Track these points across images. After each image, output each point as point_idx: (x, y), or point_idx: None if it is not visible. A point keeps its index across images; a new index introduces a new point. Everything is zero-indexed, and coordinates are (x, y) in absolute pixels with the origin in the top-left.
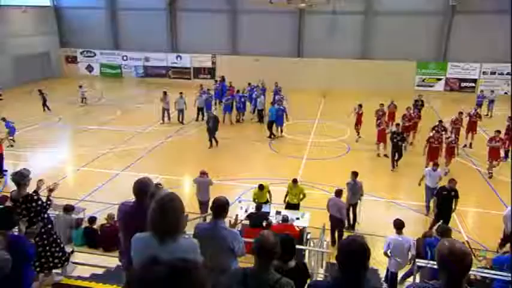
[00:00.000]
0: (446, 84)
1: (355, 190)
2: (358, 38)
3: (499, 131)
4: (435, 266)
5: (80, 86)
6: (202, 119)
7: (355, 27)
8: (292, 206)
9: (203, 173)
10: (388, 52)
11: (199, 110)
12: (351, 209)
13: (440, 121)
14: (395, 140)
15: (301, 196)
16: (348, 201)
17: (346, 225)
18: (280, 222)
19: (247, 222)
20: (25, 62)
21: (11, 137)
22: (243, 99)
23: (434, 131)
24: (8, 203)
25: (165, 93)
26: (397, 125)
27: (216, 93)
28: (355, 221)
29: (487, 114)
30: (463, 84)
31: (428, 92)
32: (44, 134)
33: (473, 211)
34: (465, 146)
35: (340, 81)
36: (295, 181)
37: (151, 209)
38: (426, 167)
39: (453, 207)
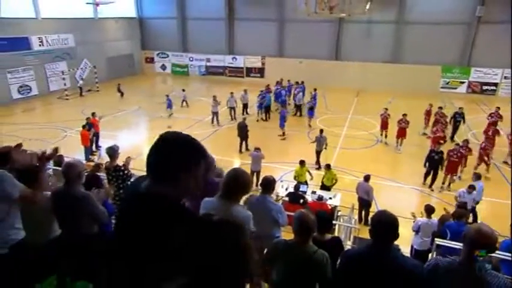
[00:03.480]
0: (469, 87)
1: (321, 141)
2: (389, 44)
3: None
4: (451, 245)
5: (183, 90)
6: (247, 112)
7: (387, 35)
8: (326, 188)
9: (257, 149)
10: (416, 57)
11: (244, 106)
12: (317, 154)
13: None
14: (435, 158)
15: (334, 181)
16: (316, 149)
17: (315, 164)
18: (315, 200)
19: (287, 198)
20: (115, 61)
21: (169, 109)
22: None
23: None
24: (102, 171)
25: (214, 97)
26: (438, 143)
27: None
28: (319, 163)
29: None
30: (485, 88)
31: (451, 94)
32: (128, 118)
33: (487, 200)
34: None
35: (372, 82)
36: (328, 166)
37: (228, 176)
38: (443, 182)
39: None
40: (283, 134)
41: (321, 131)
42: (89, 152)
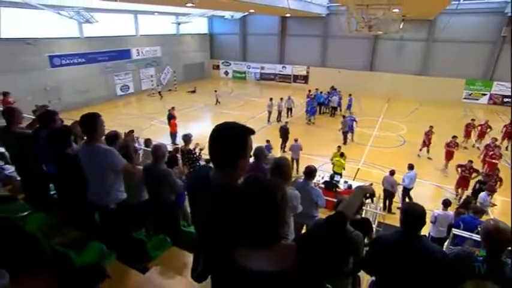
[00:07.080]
0: (490, 98)
1: (345, 124)
2: (418, 59)
3: None
4: (465, 235)
5: (215, 91)
6: (291, 115)
7: (417, 50)
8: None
9: (296, 140)
10: (443, 71)
11: (288, 110)
12: (344, 134)
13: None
14: (481, 188)
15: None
16: (342, 129)
17: (343, 141)
18: (346, 188)
19: (323, 186)
20: (190, 68)
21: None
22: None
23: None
24: (179, 153)
25: (271, 99)
26: (485, 175)
27: (326, 99)
28: (346, 139)
29: None
30: (506, 100)
31: (473, 104)
32: (199, 113)
33: (503, 200)
34: (506, 148)
35: (401, 91)
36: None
37: (273, 163)
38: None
39: None
40: (309, 120)
41: (344, 117)
42: (174, 137)
